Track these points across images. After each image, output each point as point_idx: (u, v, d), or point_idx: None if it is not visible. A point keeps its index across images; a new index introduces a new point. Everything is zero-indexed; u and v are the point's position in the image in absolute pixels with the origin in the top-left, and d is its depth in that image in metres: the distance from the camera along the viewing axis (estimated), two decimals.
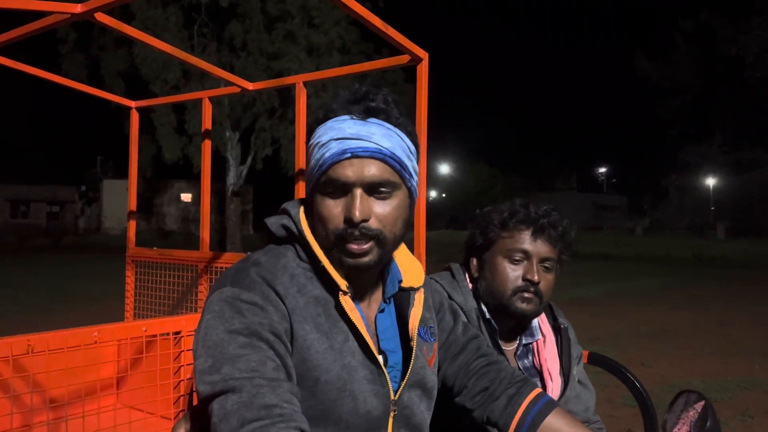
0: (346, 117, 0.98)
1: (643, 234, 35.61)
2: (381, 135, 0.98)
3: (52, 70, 2.57)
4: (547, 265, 1.45)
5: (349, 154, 0.96)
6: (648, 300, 10.14)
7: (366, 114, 0.98)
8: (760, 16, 32.45)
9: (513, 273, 1.44)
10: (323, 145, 0.97)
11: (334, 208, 0.97)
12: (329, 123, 0.99)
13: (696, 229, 36.84)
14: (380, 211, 0.98)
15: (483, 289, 1.49)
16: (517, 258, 1.44)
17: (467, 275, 1.57)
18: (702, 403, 1.08)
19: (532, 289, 1.42)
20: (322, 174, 0.97)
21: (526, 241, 1.44)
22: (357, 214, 0.95)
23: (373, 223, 0.97)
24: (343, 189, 0.97)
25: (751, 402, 4.42)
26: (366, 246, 0.97)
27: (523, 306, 1.43)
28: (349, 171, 0.96)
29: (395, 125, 1.00)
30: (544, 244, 1.44)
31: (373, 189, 0.97)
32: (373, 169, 0.96)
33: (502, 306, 1.45)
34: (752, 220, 35.74)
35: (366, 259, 0.98)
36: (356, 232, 0.96)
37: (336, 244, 0.98)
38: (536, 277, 1.42)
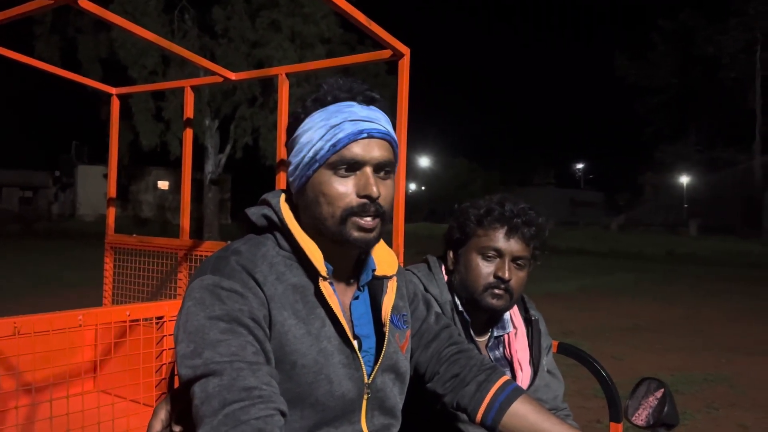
0: (353, 102, 1.04)
1: (618, 230, 36.11)
2: (384, 120, 1.06)
3: (26, 52, 2.53)
4: (519, 263, 1.49)
5: (365, 134, 1.01)
6: (621, 295, 10.34)
7: (368, 101, 1.06)
8: (737, 16, 33.02)
9: (485, 269, 1.48)
10: (336, 125, 1.02)
11: (342, 187, 1.02)
12: (336, 106, 1.04)
13: (669, 226, 37.47)
14: (384, 190, 1.04)
15: (457, 283, 1.54)
16: (490, 255, 1.48)
17: (444, 268, 1.61)
18: (661, 390, 1.13)
19: (502, 285, 1.47)
20: (334, 153, 1.01)
21: (500, 239, 1.48)
22: (375, 190, 1.01)
23: (381, 200, 1.03)
24: (353, 167, 1.02)
25: (717, 395, 4.55)
26: (374, 222, 1.03)
27: (494, 302, 1.48)
28: (362, 150, 1.01)
29: (387, 114, 1.09)
30: (517, 243, 1.48)
31: (379, 169, 1.04)
32: (382, 150, 1.03)
33: (473, 300, 1.49)
34: (723, 218, 36.48)
35: (373, 234, 1.04)
36: (371, 208, 1.02)
37: (345, 221, 1.02)
38: (507, 275, 1.46)
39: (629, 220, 42.45)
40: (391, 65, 2.11)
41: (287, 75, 2.46)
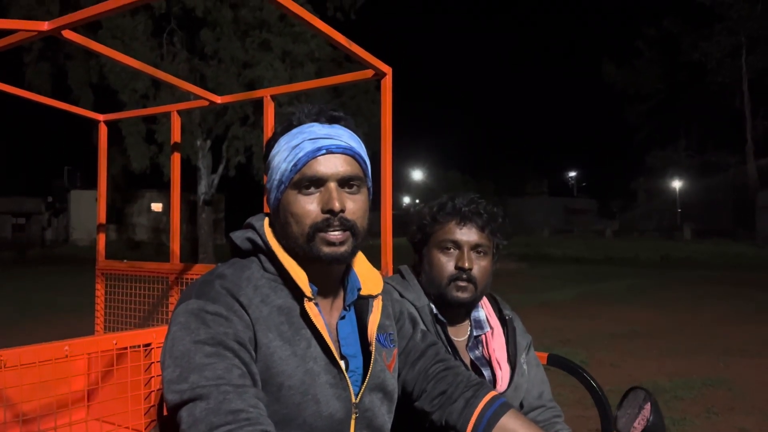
0: (314, 123, 1.07)
1: (612, 237, 36.17)
2: (348, 136, 1.08)
3: (17, 80, 2.57)
4: (479, 250, 1.53)
5: (324, 151, 1.04)
6: (617, 301, 10.34)
7: (330, 120, 1.08)
8: (721, 22, 33.39)
9: (446, 262, 1.52)
10: (296, 146, 1.05)
11: (308, 204, 1.04)
12: (298, 128, 1.07)
13: (664, 231, 37.55)
14: (352, 204, 1.06)
15: (424, 282, 1.57)
16: (448, 247, 1.53)
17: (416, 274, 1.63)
18: (647, 399, 1.14)
19: (464, 276, 1.50)
20: (296, 172, 1.04)
21: (455, 230, 1.52)
22: (337, 204, 1.03)
23: (348, 214, 1.05)
24: (317, 184, 1.04)
25: (716, 399, 4.55)
26: (343, 236, 1.04)
27: (458, 294, 1.50)
28: (323, 167, 1.04)
29: (354, 132, 1.11)
30: (471, 231, 1.52)
31: (345, 183, 1.06)
32: (345, 165, 1.06)
33: (440, 295, 1.52)
34: (717, 221, 36.62)
35: (343, 248, 1.05)
36: (336, 222, 1.03)
37: (313, 237, 1.04)
38: (467, 264, 1.49)
39: (623, 226, 42.56)
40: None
41: (272, 96, 2.48)
